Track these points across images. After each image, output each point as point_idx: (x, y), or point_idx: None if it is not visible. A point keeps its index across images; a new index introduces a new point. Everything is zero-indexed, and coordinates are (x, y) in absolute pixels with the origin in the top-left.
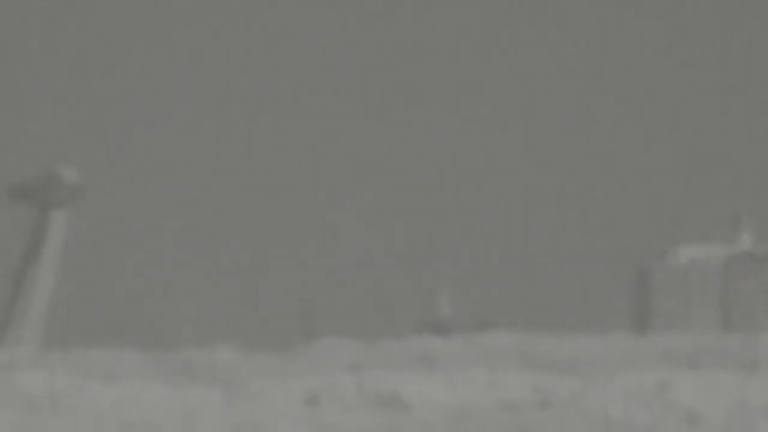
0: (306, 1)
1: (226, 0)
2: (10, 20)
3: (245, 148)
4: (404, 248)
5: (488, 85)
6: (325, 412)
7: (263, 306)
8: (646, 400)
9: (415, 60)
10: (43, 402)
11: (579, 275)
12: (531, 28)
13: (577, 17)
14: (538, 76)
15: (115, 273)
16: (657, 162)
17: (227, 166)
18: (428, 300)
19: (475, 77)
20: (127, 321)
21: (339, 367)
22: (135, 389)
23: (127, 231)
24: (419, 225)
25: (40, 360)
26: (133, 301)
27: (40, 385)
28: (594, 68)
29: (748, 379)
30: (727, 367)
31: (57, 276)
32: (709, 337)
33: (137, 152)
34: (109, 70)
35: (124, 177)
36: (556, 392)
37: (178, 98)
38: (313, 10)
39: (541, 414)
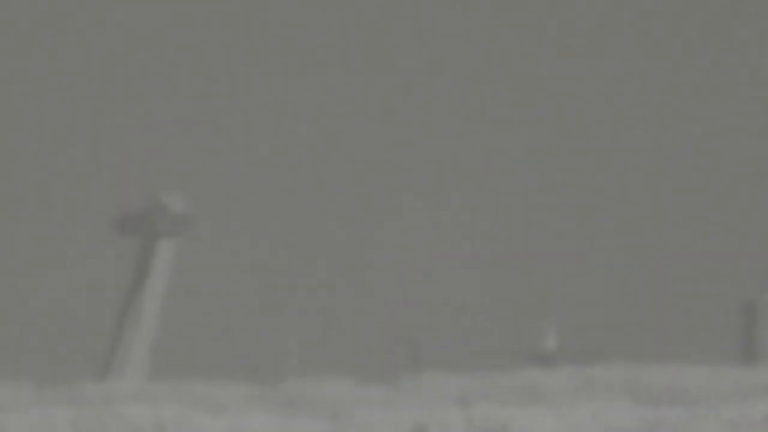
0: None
1: None
2: (118, 47)
3: (343, 172)
4: (508, 278)
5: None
6: None
7: (369, 338)
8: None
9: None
10: None
11: (685, 305)
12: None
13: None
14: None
15: (222, 304)
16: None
17: (327, 197)
18: (534, 331)
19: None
20: (234, 352)
21: (446, 399)
22: (242, 420)
23: (237, 260)
24: (523, 254)
25: (146, 392)
26: (239, 332)
27: (147, 416)
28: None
29: None
30: None
31: (163, 307)
32: None
33: (242, 179)
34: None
35: (230, 206)
36: (663, 424)
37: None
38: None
39: None
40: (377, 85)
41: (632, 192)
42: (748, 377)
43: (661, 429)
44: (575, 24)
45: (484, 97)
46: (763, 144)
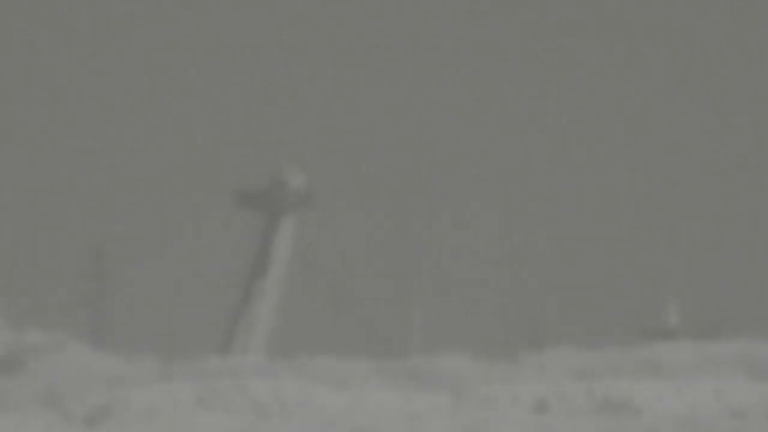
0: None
1: None
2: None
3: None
4: (631, 255)
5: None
6: (554, 418)
7: (490, 314)
8: None
9: None
10: (272, 409)
11: None
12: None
13: None
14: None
15: (342, 280)
16: None
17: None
18: (656, 307)
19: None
20: (356, 328)
21: (567, 374)
22: (363, 396)
23: (359, 236)
24: (645, 231)
25: (268, 367)
26: (361, 308)
27: (269, 392)
28: None
29: None
30: None
31: (284, 283)
32: None
33: (360, 156)
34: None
35: (349, 183)
36: None
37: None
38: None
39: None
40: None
41: (750, 168)
42: None
43: None
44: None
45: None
46: None
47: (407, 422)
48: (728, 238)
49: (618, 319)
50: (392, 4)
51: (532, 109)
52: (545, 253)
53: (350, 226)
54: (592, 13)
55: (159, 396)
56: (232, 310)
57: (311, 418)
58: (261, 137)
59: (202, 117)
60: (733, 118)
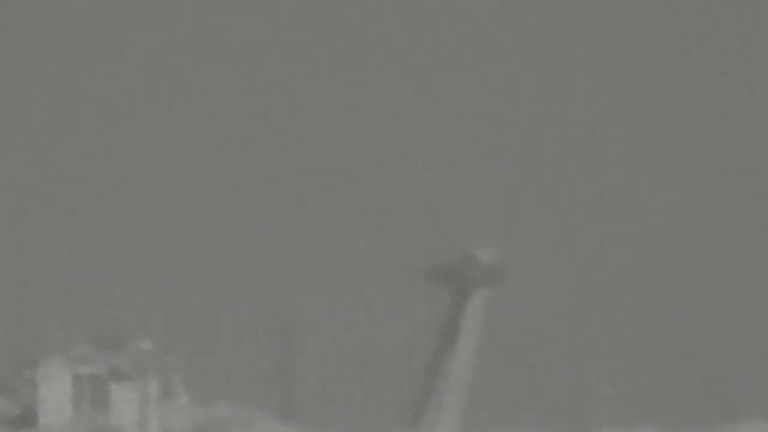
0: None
1: None
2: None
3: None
4: None
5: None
6: None
7: (679, 385)
8: None
9: None
10: None
11: None
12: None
13: None
14: None
15: (529, 354)
16: None
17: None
18: None
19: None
20: (544, 401)
21: None
22: None
23: (545, 308)
24: None
25: None
26: (550, 380)
27: None
28: None
29: None
30: None
31: (474, 357)
32: None
33: (549, 232)
34: None
35: (542, 258)
36: None
37: None
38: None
39: None
40: None
41: None
42: None
43: None
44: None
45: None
46: None
47: None
48: None
49: None
50: None
51: None
52: (732, 324)
53: (534, 298)
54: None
55: None
56: (421, 384)
57: None
58: (450, 214)
59: (387, 195)
60: None
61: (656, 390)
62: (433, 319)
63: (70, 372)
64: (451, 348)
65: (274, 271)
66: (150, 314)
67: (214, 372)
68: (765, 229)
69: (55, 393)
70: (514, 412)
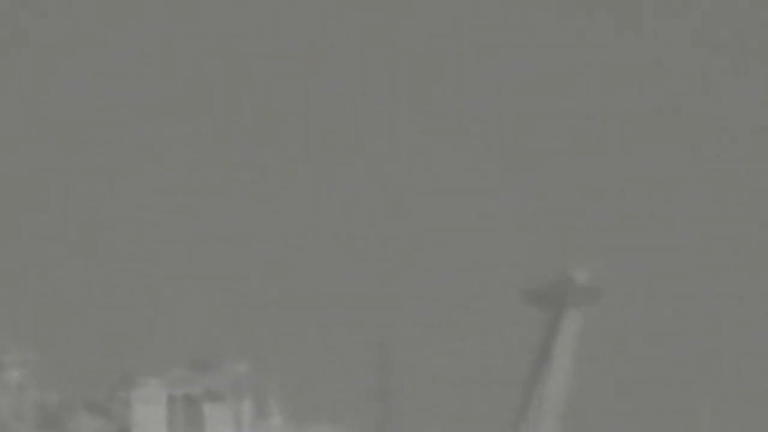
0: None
1: None
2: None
3: None
4: None
5: None
6: None
7: None
8: None
9: None
10: None
11: None
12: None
13: None
14: None
15: (627, 372)
16: None
17: None
18: None
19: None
20: (643, 421)
21: None
22: None
23: (640, 329)
24: None
25: None
26: (644, 397)
27: None
28: None
29: None
30: None
31: (570, 376)
32: None
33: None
34: None
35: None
36: None
37: None
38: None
39: None
40: None
41: None
42: None
43: None
44: None
45: None
46: None
47: None
48: None
49: None
50: None
51: None
52: None
53: (631, 318)
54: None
55: None
56: (517, 405)
57: None
58: (545, 237)
59: (484, 211)
60: None
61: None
62: (529, 340)
63: (165, 393)
64: (547, 369)
65: (372, 290)
66: (245, 334)
67: (309, 392)
68: None
69: (150, 414)
70: (611, 428)
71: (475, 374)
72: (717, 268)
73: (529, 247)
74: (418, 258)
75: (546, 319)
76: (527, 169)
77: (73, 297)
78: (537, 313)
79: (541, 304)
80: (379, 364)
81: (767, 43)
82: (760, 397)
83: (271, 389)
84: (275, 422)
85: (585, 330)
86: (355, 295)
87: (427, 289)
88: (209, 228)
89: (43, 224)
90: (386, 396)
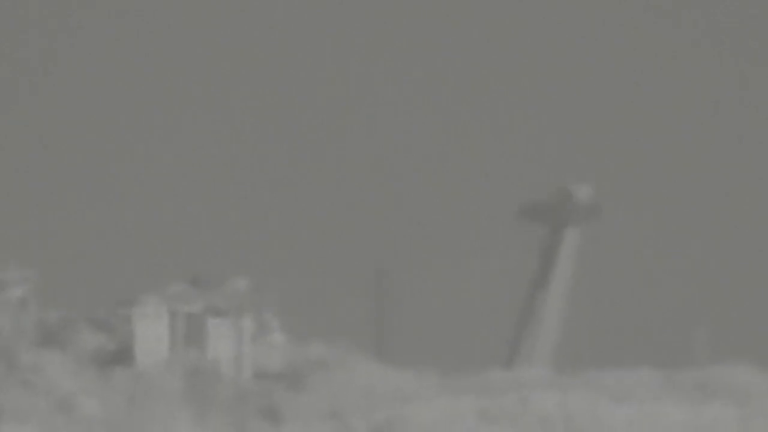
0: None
1: None
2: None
3: None
4: None
5: None
6: None
7: None
8: None
9: None
10: (557, 422)
11: None
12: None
13: None
14: None
15: (627, 291)
16: None
17: None
18: None
19: None
20: (641, 340)
21: None
22: (649, 408)
23: (641, 248)
24: None
25: (553, 380)
26: (646, 319)
27: (554, 405)
28: None
29: None
30: None
31: (568, 295)
32: None
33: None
34: None
35: (634, 195)
36: None
37: None
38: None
39: None
40: None
41: None
42: None
43: None
44: None
45: None
46: None
47: None
48: None
49: None
50: None
51: None
52: None
53: (630, 237)
54: None
55: (441, 410)
56: (515, 323)
57: None
58: (546, 150)
59: (485, 132)
60: None
61: (753, 330)
62: (527, 257)
63: (166, 310)
64: (545, 286)
65: (370, 213)
66: (246, 253)
67: (309, 311)
68: None
69: (151, 330)
70: (607, 349)
71: (471, 292)
72: (716, 191)
73: (529, 171)
74: (418, 181)
75: (544, 239)
76: (530, 94)
77: (75, 215)
78: (536, 233)
79: (539, 219)
80: (375, 286)
81: None
82: (756, 323)
83: (272, 307)
84: (277, 339)
85: (582, 251)
86: (353, 218)
87: (425, 208)
88: (211, 146)
89: (46, 144)
90: (384, 316)
